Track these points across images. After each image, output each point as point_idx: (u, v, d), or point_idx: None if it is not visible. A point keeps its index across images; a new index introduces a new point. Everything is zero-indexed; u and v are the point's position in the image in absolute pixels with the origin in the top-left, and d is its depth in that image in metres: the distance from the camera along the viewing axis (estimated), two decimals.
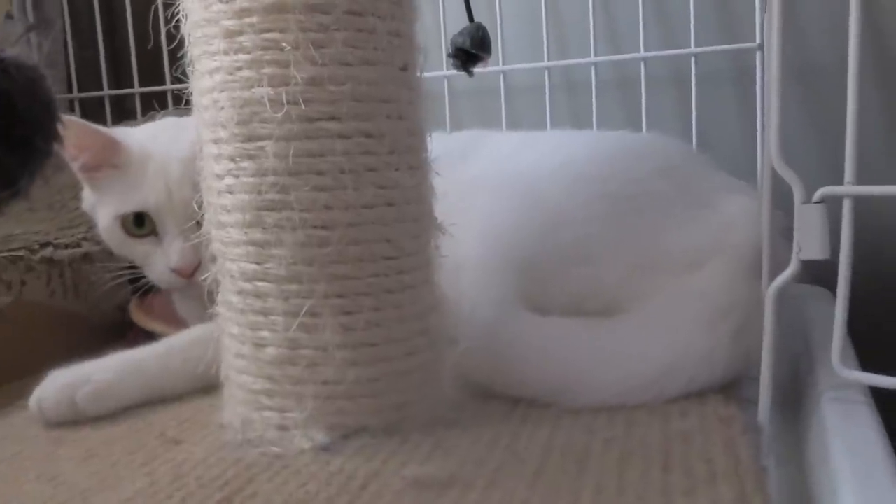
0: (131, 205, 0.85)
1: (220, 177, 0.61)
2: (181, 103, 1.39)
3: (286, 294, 0.59)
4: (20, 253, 0.88)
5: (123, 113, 1.41)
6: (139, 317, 0.94)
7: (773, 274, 0.64)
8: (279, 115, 0.58)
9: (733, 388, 0.69)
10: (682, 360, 0.66)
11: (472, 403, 0.66)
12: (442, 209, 0.67)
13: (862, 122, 0.56)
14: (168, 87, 1.35)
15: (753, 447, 0.58)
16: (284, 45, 0.58)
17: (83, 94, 1.43)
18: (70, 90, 1.43)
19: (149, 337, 0.88)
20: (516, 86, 1.18)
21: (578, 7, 1.13)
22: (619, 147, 0.90)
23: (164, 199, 0.84)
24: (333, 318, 0.59)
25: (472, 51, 0.84)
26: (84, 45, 1.44)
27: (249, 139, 0.59)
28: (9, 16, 1.29)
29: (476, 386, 0.69)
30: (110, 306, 0.96)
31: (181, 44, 0.64)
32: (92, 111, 1.42)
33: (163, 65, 1.33)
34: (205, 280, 0.65)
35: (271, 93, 0.58)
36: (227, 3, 0.59)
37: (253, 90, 0.59)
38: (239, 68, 0.59)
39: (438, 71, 1.15)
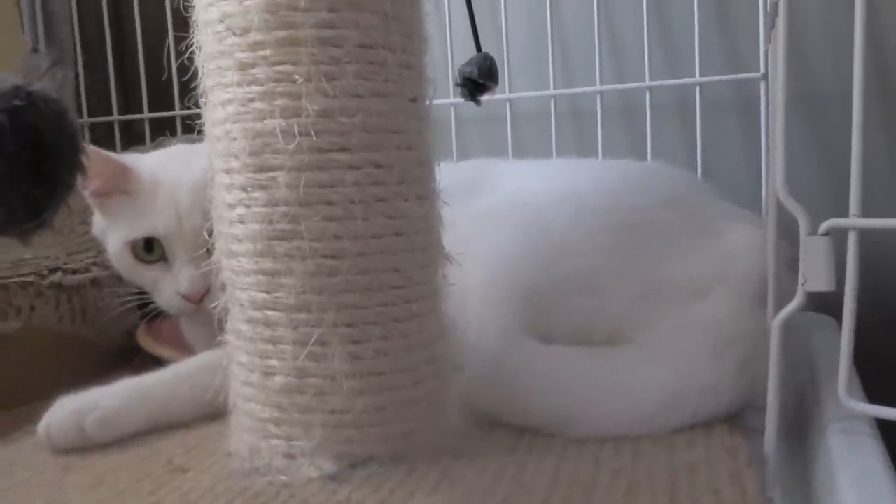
0: (141, 230, 0.86)
1: (231, 206, 0.62)
2: (190, 129, 1.41)
3: (295, 323, 0.60)
4: (30, 278, 0.89)
5: (132, 138, 1.43)
6: (147, 342, 0.95)
7: (779, 304, 0.65)
8: (291, 146, 0.59)
9: (739, 417, 0.69)
10: (687, 390, 0.67)
11: (478, 432, 0.67)
12: (450, 238, 0.67)
13: (866, 151, 0.57)
14: (177, 112, 1.36)
15: (759, 478, 0.58)
16: (297, 77, 0.59)
17: (93, 119, 1.44)
18: (80, 114, 1.44)
19: (156, 362, 0.88)
20: (522, 113, 1.19)
21: (584, 36, 1.14)
22: (624, 177, 0.91)
23: (174, 226, 0.84)
24: (342, 347, 0.60)
25: (479, 80, 0.85)
26: (95, 70, 1.46)
27: (261, 170, 0.60)
28: (34, 49, 1.31)
29: (482, 414, 0.69)
30: (118, 331, 0.97)
31: (190, 69, 0.65)
32: (102, 136, 1.43)
33: (172, 90, 1.35)
34: (214, 308, 0.66)
35: (283, 124, 0.59)
36: (240, 36, 0.60)
37: (265, 121, 0.59)
38: (252, 100, 0.60)
39: (445, 98, 1.16)
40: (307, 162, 0.59)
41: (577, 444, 0.65)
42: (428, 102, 0.66)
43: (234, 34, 0.60)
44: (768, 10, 0.85)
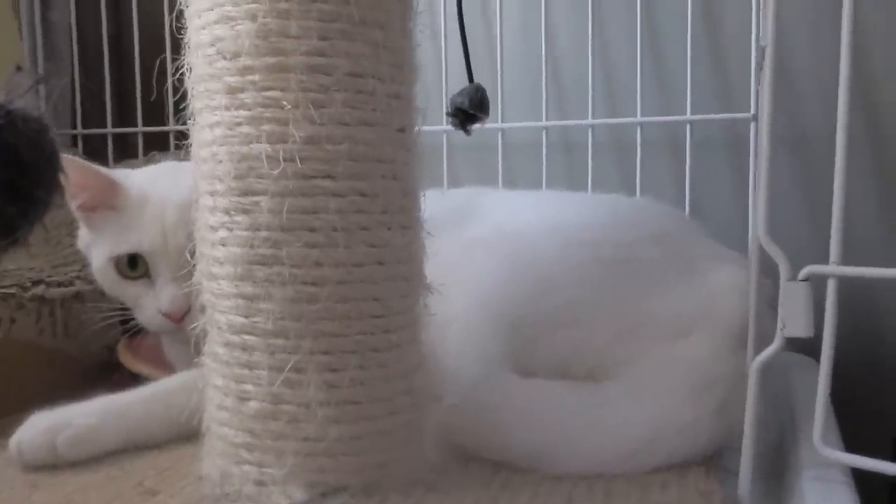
0: (126, 246, 0.85)
1: (214, 229, 0.62)
2: (183, 144, 1.41)
3: (272, 349, 0.59)
4: (11, 290, 0.88)
5: (125, 151, 1.43)
6: (126, 358, 0.94)
7: (759, 345, 0.65)
8: (275, 171, 0.59)
9: (715, 458, 0.69)
10: (664, 431, 0.66)
11: (453, 466, 0.66)
12: (436, 266, 0.67)
13: (854, 195, 0.57)
14: (170, 127, 1.36)
15: None
16: (285, 103, 0.59)
17: (87, 131, 1.44)
18: (74, 125, 1.45)
19: (135, 379, 0.87)
20: (514, 143, 1.20)
21: (578, 69, 1.15)
22: (613, 212, 0.91)
23: (159, 243, 0.84)
24: (318, 374, 0.59)
25: (470, 111, 0.85)
26: (91, 82, 1.46)
27: (245, 193, 0.60)
28: (18, 68, 1.31)
29: (458, 447, 0.69)
30: (99, 346, 0.97)
31: (184, 85, 0.65)
32: (95, 148, 1.43)
33: (166, 106, 1.35)
34: (194, 328, 0.65)
35: (269, 149, 0.59)
36: (230, 60, 0.60)
37: (251, 146, 0.60)
38: (239, 124, 0.60)
39: (438, 125, 1.16)
40: (291, 188, 0.59)
41: (552, 482, 0.64)
42: (416, 132, 0.66)
43: (225, 58, 0.61)
44: (757, 57, 0.86)
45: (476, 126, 0.89)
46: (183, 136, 0.68)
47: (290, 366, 0.59)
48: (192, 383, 0.68)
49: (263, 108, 0.60)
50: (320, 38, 0.60)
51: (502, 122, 1.17)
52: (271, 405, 0.60)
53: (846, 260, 0.57)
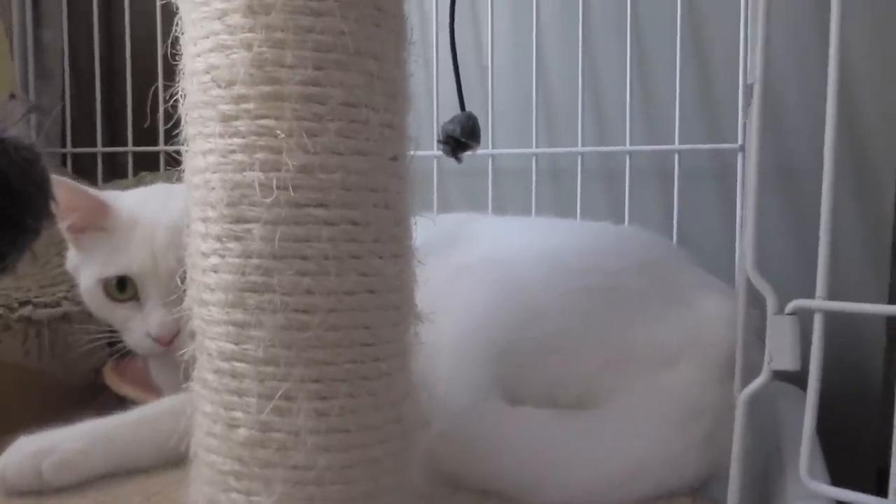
0: (115, 268, 0.85)
1: (205, 255, 0.62)
2: (173, 164, 1.41)
3: (262, 376, 0.59)
4: None
5: (115, 170, 1.43)
6: (113, 380, 0.94)
7: (747, 374, 0.65)
8: (268, 199, 0.59)
9: (701, 488, 0.70)
10: (651, 461, 0.67)
11: (441, 494, 0.66)
12: (424, 292, 0.67)
13: (841, 228, 0.58)
14: (161, 147, 1.37)
15: None
16: (279, 132, 0.59)
17: (77, 150, 1.44)
18: (64, 144, 1.45)
19: (122, 402, 0.87)
20: (504, 169, 1.21)
21: (568, 98, 1.16)
22: (601, 239, 0.92)
23: (149, 265, 0.84)
24: (308, 402, 0.59)
25: (462, 139, 0.86)
26: (82, 101, 1.46)
27: (237, 221, 0.60)
28: (12, 96, 1.32)
29: (446, 475, 0.69)
30: (85, 368, 0.96)
31: (176, 111, 0.65)
32: (84, 167, 1.43)
33: (157, 125, 1.35)
34: (183, 355, 0.65)
35: (262, 177, 0.59)
36: (225, 88, 0.61)
37: (244, 173, 0.60)
38: (232, 151, 0.60)
39: (429, 150, 1.17)
40: (284, 216, 0.59)
41: None
42: (409, 161, 0.67)
43: (219, 86, 0.61)
44: (744, 92, 0.87)
45: (467, 154, 0.89)
46: (173, 156, 0.69)
47: (279, 393, 0.59)
48: (181, 407, 0.67)
49: (257, 136, 0.60)
50: (315, 67, 0.60)
51: (493, 148, 1.18)
52: (260, 433, 0.59)
53: (832, 293, 0.58)
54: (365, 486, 0.62)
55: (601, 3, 1.15)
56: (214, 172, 0.61)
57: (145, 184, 1.29)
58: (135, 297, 0.86)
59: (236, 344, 0.60)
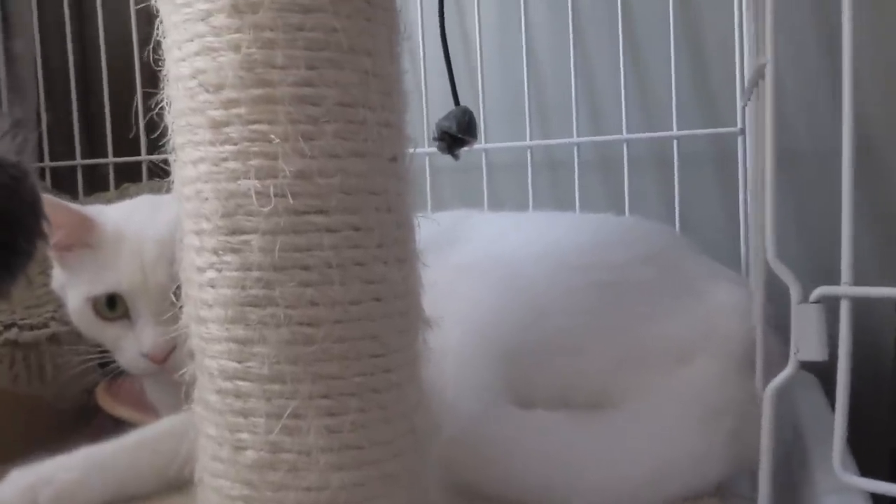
0: (103, 286, 0.82)
1: (201, 270, 0.59)
2: (156, 175, 1.38)
3: (268, 394, 0.56)
4: None
5: (96, 183, 1.39)
6: (106, 402, 0.90)
7: (765, 368, 0.63)
8: (266, 208, 0.56)
9: (725, 483, 0.67)
10: (675, 463, 0.64)
11: None
12: (429, 297, 0.65)
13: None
14: (143, 157, 1.33)
15: None
16: (273, 136, 0.56)
17: (55, 164, 1.40)
18: (41, 158, 1.40)
19: (117, 423, 0.84)
20: (498, 163, 1.18)
21: (560, 88, 1.14)
22: (604, 232, 0.89)
23: (138, 281, 0.81)
24: (318, 419, 0.56)
25: (458, 135, 0.83)
26: (58, 112, 1.42)
27: (234, 232, 0.57)
28: None
29: (460, 484, 0.66)
30: (77, 390, 0.92)
31: (160, 118, 0.62)
32: (64, 180, 1.39)
33: (138, 134, 1.31)
34: (182, 374, 0.62)
35: (258, 185, 0.56)
36: (214, 93, 0.57)
37: (239, 182, 0.57)
38: (225, 159, 0.57)
39: (420, 148, 1.14)
40: (283, 225, 0.56)
41: None
42: (408, 160, 0.64)
43: (207, 91, 0.58)
44: (751, 74, 0.84)
45: (464, 150, 0.87)
46: (161, 166, 0.66)
47: (288, 412, 0.56)
48: (181, 428, 0.64)
49: (250, 142, 0.57)
50: (308, 67, 0.57)
51: (485, 142, 1.16)
52: (269, 454, 0.56)
53: (836, 277, 0.56)
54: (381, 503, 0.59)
55: None
56: (206, 182, 0.58)
57: (129, 196, 1.25)
58: (125, 315, 0.82)
59: (239, 362, 0.57)
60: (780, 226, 0.57)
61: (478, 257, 0.85)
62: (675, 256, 0.86)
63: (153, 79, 0.63)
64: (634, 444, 0.66)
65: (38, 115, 1.40)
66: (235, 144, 0.57)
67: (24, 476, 0.65)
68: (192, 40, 0.59)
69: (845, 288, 0.56)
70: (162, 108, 0.62)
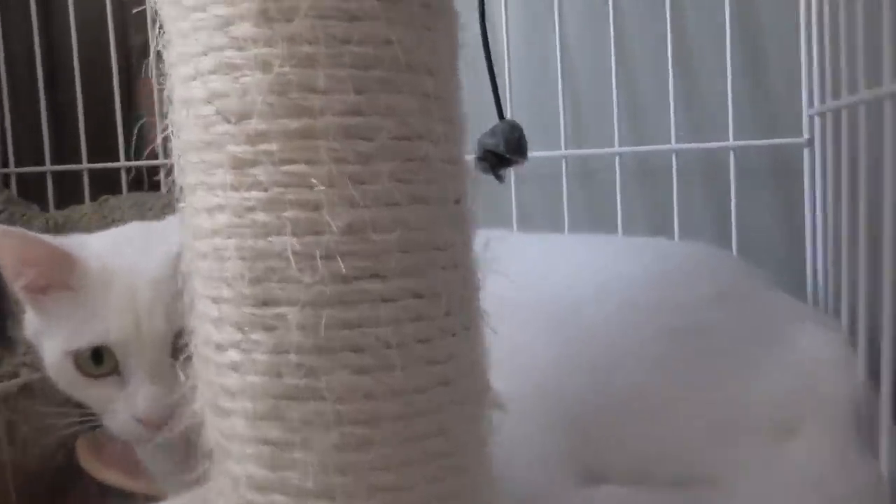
0: (88, 338, 0.68)
1: (220, 348, 0.46)
2: (137, 182, 1.23)
3: None
4: None
5: (68, 192, 1.25)
6: (90, 464, 0.78)
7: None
8: (307, 274, 0.44)
9: None
10: None
11: None
12: None
13: None
14: (122, 163, 1.19)
15: None
16: (314, 180, 0.44)
17: (21, 169, 1.26)
18: (6, 163, 1.26)
19: (102, 490, 0.72)
20: (527, 175, 1.06)
21: (597, 91, 1.02)
22: (662, 263, 0.78)
23: (131, 331, 0.68)
24: None
25: (506, 155, 0.71)
26: (24, 112, 1.28)
27: (265, 304, 0.45)
28: None
29: None
30: (54, 448, 0.79)
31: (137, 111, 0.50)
32: (32, 188, 1.25)
33: (116, 136, 1.17)
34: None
35: (296, 243, 0.44)
36: (236, 123, 0.45)
37: (271, 239, 0.44)
38: (251, 209, 0.45)
39: None
40: (329, 295, 0.44)
41: None
42: (470, 203, 0.52)
43: (228, 121, 0.45)
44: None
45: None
46: (139, 172, 0.54)
47: None
48: None
49: (284, 187, 0.44)
50: (356, 91, 0.45)
51: None
52: None
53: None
54: None
55: None
56: (228, 238, 0.46)
57: (109, 207, 1.13)
58: (115, 371, 0.69)
59: (273, 470, 0.45)
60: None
61: (525, 294, 0.74)
62: (748, 292, 0.75)
63: (129, 78, 0.50)
64: None
65: (2, 114, 1.26)
66: (266, 190, 0.45)
67: None
68: (205, 54, 0.46)
69: None
70: (141, 115, 0.50)
